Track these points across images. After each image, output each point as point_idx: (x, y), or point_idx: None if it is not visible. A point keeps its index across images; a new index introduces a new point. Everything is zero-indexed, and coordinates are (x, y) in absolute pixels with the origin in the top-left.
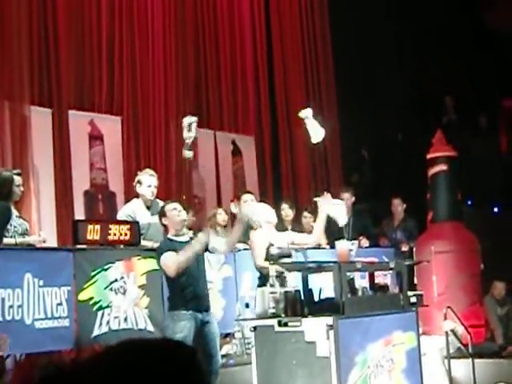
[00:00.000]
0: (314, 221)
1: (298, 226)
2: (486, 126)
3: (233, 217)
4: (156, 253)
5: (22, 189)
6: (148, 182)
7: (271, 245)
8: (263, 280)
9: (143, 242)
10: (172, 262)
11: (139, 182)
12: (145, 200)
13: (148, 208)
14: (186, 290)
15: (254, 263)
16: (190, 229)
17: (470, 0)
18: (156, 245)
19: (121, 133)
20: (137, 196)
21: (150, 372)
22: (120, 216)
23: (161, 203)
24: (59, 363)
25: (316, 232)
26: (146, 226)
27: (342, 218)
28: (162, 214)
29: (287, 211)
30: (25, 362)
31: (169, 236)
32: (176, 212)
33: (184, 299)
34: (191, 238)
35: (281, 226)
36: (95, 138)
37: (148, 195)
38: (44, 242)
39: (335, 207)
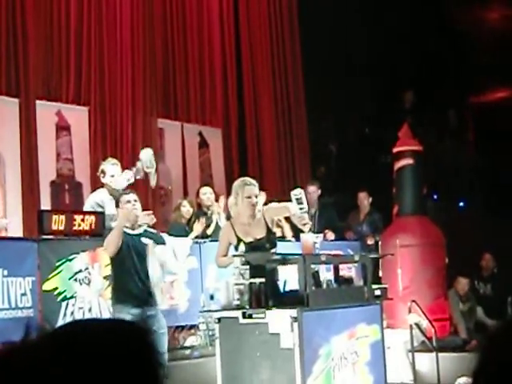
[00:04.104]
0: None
1: None
2: (454, 121)
3: (199, 208)
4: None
5: None
6: (111, 171)
7: (240, 240)
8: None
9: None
10: (105, 242)
11: (103, 171)
12: (110, 190)
13: (114, 198)
14: (120, 285)
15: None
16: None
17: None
18: None
19: (88, 123)
20: (102, 186)
21: (100, 352)
22: (88, 205)
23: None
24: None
25: None
26: (112, 216)
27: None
28: (116, 203)
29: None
30: None
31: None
32: (129, 205)
33: (122, 293)
34: (145, 231)
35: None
36: (62, 128)
37: (112, 185)
38: (6, 228)
39: None
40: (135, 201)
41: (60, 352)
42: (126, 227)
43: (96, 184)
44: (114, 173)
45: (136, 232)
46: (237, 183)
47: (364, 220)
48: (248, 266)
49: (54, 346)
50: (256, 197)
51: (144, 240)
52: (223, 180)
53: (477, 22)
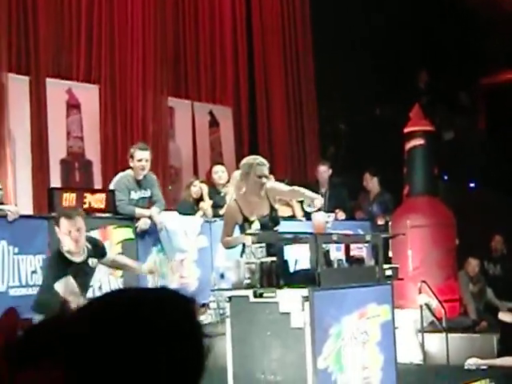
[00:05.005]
0: None
1: None
2: (466, 102)
3: (211, 186)
4: (46, 264)
5: None
6: (138, 155)
7: (246, 219)
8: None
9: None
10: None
11: (131, 156)
12: (136, 173)
13: (138, 182)
14: (45, 295)
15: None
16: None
17: None
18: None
19: (98, 101)
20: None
21: (142, 321)
22: (114, 185)
23: (154, 177)
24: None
25: None
26: (133, 201)
27: None
28: (56, 222)
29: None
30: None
31: (62, 250)
32: (70, 239)
33: (45, 304)
34: (88, 257)
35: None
36: (72, 106)
37: (139, 169)
38: (17, 214)
39: None
40: (77, 231)
41: (98, 324)
42: (70, 254)
43: (106, 162)
44: (141, 157)
45: (80, 259)
46: (248, 161)
47: (374, 200)
48: (264, 244)
49: (90, 317)
50: (266, 177)
51: (90, 263)
52: (233, 159)
53: (489, 2)
